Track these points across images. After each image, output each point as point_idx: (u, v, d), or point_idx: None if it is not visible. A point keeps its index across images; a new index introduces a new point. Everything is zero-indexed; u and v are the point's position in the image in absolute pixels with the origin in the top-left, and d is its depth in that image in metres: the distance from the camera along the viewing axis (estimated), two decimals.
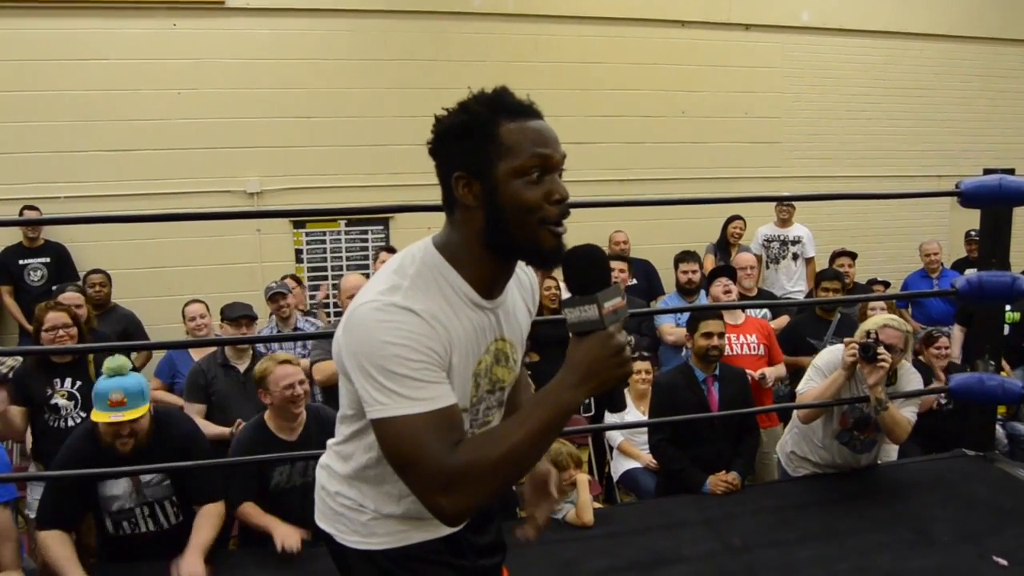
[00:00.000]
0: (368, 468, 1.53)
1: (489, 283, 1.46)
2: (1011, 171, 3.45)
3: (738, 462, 3.57)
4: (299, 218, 6.50)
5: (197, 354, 4.53)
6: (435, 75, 6.64)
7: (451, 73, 6.68)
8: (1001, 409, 4.91)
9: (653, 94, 7.32)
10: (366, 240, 6.75)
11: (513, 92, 1.39)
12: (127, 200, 5.91)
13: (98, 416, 2.81)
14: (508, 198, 1.35)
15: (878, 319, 3.38)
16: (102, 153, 6.05)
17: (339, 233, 6.68)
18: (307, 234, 6.61)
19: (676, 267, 5.63)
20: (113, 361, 2.91)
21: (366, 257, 6.70)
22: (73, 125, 6.00)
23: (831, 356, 3.52)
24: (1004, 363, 5.07)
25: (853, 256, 6.15)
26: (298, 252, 6.61)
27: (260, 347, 4.36)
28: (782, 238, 6.80)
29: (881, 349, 3.19)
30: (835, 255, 6.19)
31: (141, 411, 2.84)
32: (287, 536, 2.86)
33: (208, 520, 2.94)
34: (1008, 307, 5.65)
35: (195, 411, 3.97)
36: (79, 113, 5.99)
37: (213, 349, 4.30)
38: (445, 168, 1.40)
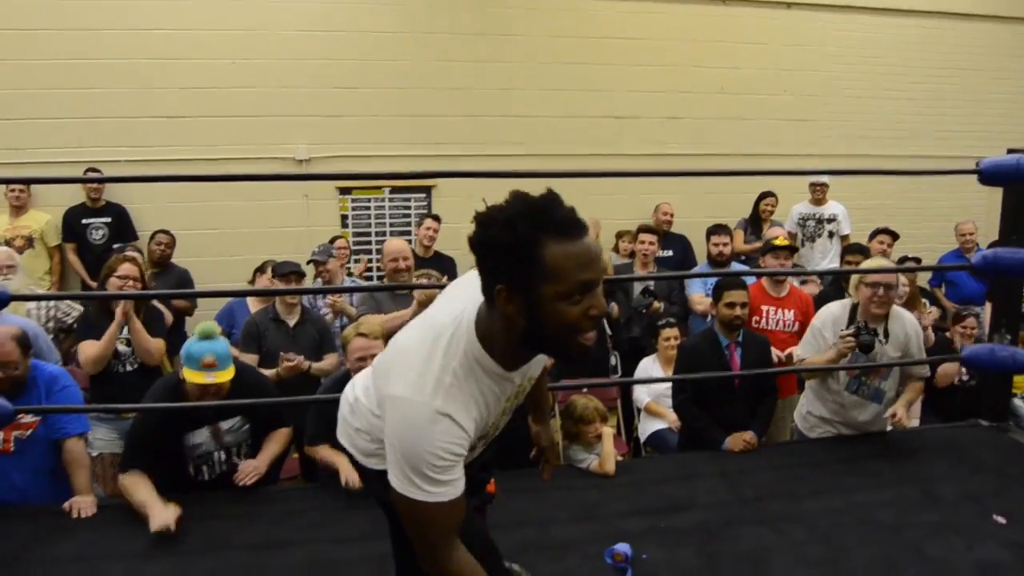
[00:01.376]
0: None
1: (517, 363, 1.63)
2: None
3: (756, 423, 3.75)
4: (345, 183, 6.70)
5: (253, 306, 4.88)
6: (478, 48, 6.84)
7: (493, 47, 6.87)
8: (1021, 386, 5.01)
9: (693, 70, 7.41)
10: (409, 207, 6.97)
11: (560, 204, 1.42)
12: (183, 165, 6.20)
13: (191, 375, 3.05)
14: (550, 317, 1.43)
15: (868, 263, 3.56)
16: (160, 120, 6.34)
17: (383, 200, 6.90)
18: (352, 200, 6.83)
19: (708, 239, 5.78)
20: (205, 326, 3.15)
21: (408, 223, 6.91)
22: (133, 92, 6.29)
23: (826, 315, 3.72)
24: None
25: (894, 235, 6.22)
26: (343, 218, 6.84)
27: (307, 302, 4.68)
28: (817, 216, 6.88)
29: (878, 337, 3.38)
30: (875, 232, 6.27)
31: (230, 373, 3.11)
32: (351, 473, 3.09)
33: (276, 439, 3.34)
34: None
35: (249, 360, 4.23)
36: (139, 81, 6.28)
37: (267, 304, 4.60)
38: (488, 273, 1.47)
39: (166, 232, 5.85)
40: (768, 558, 2.69)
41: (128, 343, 3.96)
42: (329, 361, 4.36)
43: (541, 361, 1.81)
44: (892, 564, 2.63)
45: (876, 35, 7.92)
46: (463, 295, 1.65)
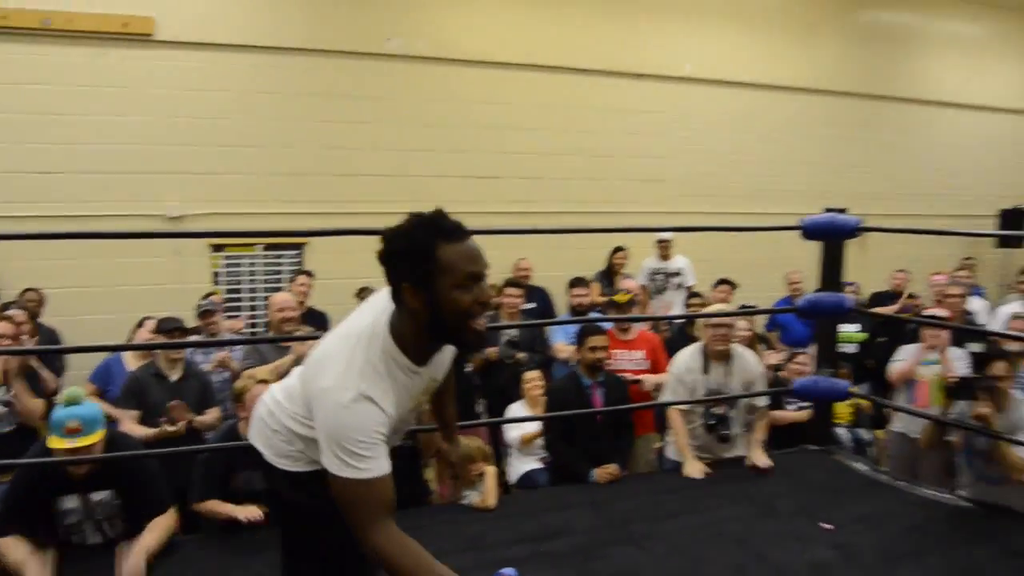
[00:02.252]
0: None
1: (426, 358, 1.93)
2: (843, 210, 4.16)
3: (617, 455, 4.14)
4: (218, 240, 6.76)
5: (131, 365, 4.81)
6: (352, 111, 7.12)
7: (367, 109, 7.17)
8: (846, 417, 5.66)
9: (552, 134, 7.96)
10: (281, 264, 7.09)
11: (446, 215, 1.78)
12: (54, 221, 6.08)
13: (54, 442, 2.96)
14: (447, 304, 1.76)
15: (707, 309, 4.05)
16: (31, 175, 6.27)
17: (255, 258, 7.01)
18: (225, 258, 6.90)
19: (568, 291, 6.22)
20: (70, 392, 3.08)
21: (280, 280, 7.02)
22: (3, 147, 6.20)
23: (681, 361, 4.19)
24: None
25: (733, 285, 6.89)
26: (215, 275, 6.89)
27: (191, 358, 4.75)
28: (665, 270, 7.51)
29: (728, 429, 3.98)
30: (717, 283, 6.92)
31: (95, 437, 3.01)
32: (249, 510, 3.20)
33: (156, 528, 3.13)
34: (857, 327, 6.50)
35: (129, 417, 4.27)
36: (9, 135, 6.20)
37: (147, 359, 4.63)
38: (395, 277, 1.80)
39: (34, 289, 5.74)
40: (636, 571, 3.04)
41: (6, 404, 3.94)
42: (212, 415, 4.46)
43: (444, 365, 2.10)
44: (740, 569, 3.04)
45: (713, 104, 8.77)
46: (371, 310, 1.93)
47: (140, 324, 5.45)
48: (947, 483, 4.15)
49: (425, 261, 1.74)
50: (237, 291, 6.97)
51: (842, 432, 5.44)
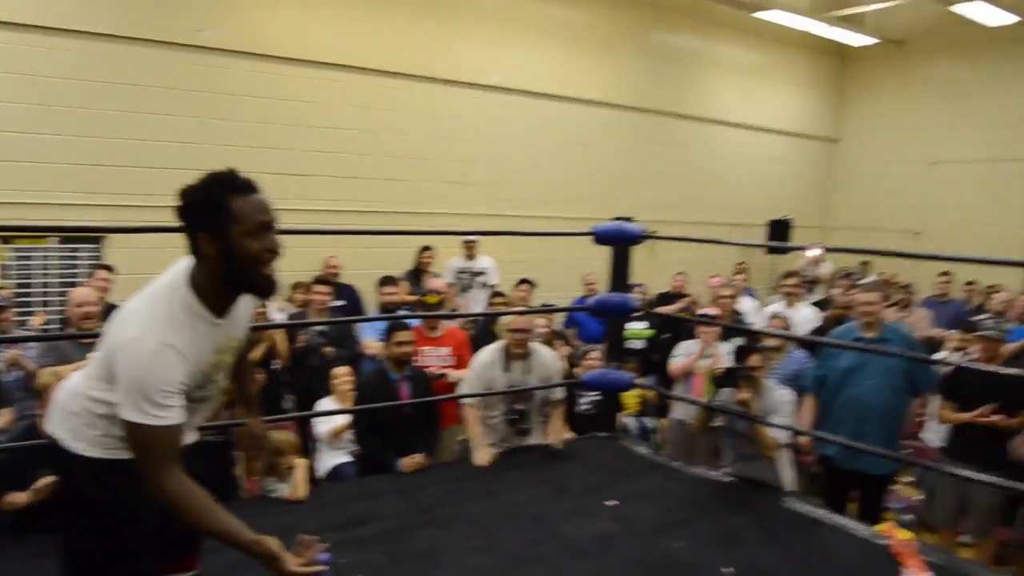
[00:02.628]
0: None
1: (224, 308, 2.03)
2: (630, 219, 4.60)
3: (423, 446, 4.37)
4: (3, 233, 6.39)
5: None
6: (159, 102, 6.91)
7: (174, 101, 6.98)
8: (634, 406, 6.19)
9: (363, 134, 8.08)
10: (78, 258, 6.78)
11: (238, 173, 1.94)
12: None
13: None
14: (240, 251, 1.90)
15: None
16: None
17: (50, 250, 6.65)
18: (16, 249, 6.50)
19: (378, 289, 6.38)
20: None
21: (76, 275, 6.70)
22: None
23: (482, 358, 4.50)
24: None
25: (532, 284, 7.30)
26: (4, 267, 6.49)
27: None
28: (471, 269, 7.83)
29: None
30: (519, 282, 7.31)
31: None
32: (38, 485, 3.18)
33: None
34: (645, 324, 7.07)
35: None
36: None
37: None
38: (191, 228, 1.93)
39: None
40: (440, 551, 3.28)
41: None
42: (4, 417, 4.26)
43: (242, 323, 2.20)
44: (535, 543, 3.35)
45: (518, 112, 9.22)
46: (170, 272, 2.03)
47: None
48: (714, 462, 4.69)
49: (219, 210, 1.88)
50: (28, 286, 6.58)
51: (630, 420, 5.95)
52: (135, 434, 1.88)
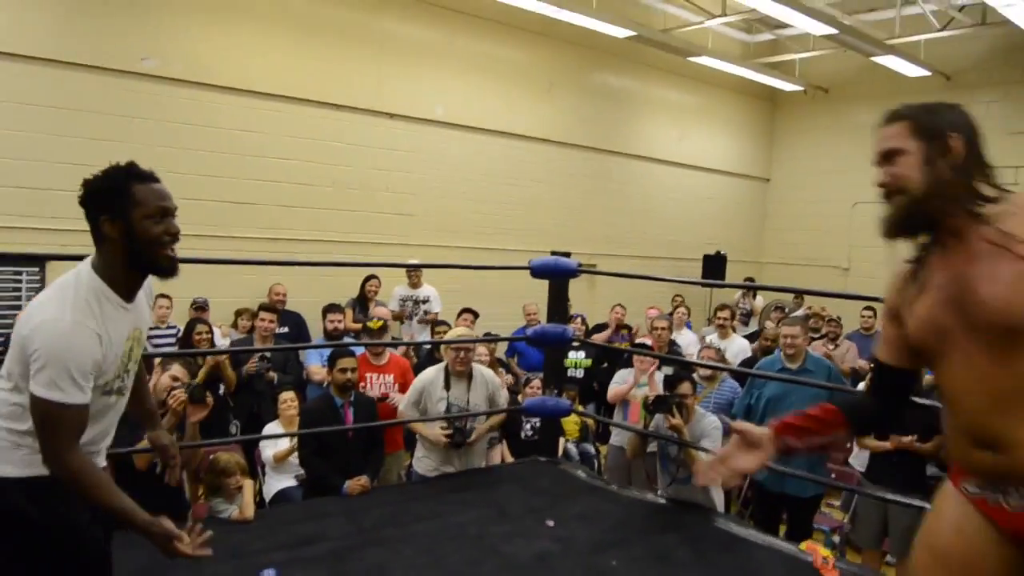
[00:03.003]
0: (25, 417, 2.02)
1: (130, 292, 2.13)
2: (567, 254, 4.81)
3: (368, 469, 4.47)
4: None
5: None
6: (101, 128, 6.91)
7: (118, 127, 7.00)
8: (573, 433, 6.37)
9: (307, 164, 8.17)
10: (20, 282, 6.71)
11: (138, 166, 2.07)
12: None
13: None
14: (142, 233, 2.03)
15: (457, 330, 4.55)
16: None
17: None
18: None
19: (324, 317, 6.48)
20: None
21: (19, 299, 6.65)
22: None
23: (424, 378, 4.65)
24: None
25: (476, 314, 7.46)
26: None
27: None
28: (414, 298, 7.97)
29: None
30: (461, 311, 7.46)
31: None
32: None
33: None
34: (583, 354, 7.27)
35: None
36: None
37: None
38: (94, 213, 2.03)
39: None
40: (386, 569, 3.39)
41: None
42: None
43: (146, 315, 2.31)
44: (476, 563, 3.48)
45: (460, 146, 9.42)
46: (71, 272, 2.09)
47: None
48: (650, 486, 4.89)
49: (121, 195, 2.01)
50: None
51: (570, 446, 6.12)
52: (45, 411, 1.92)
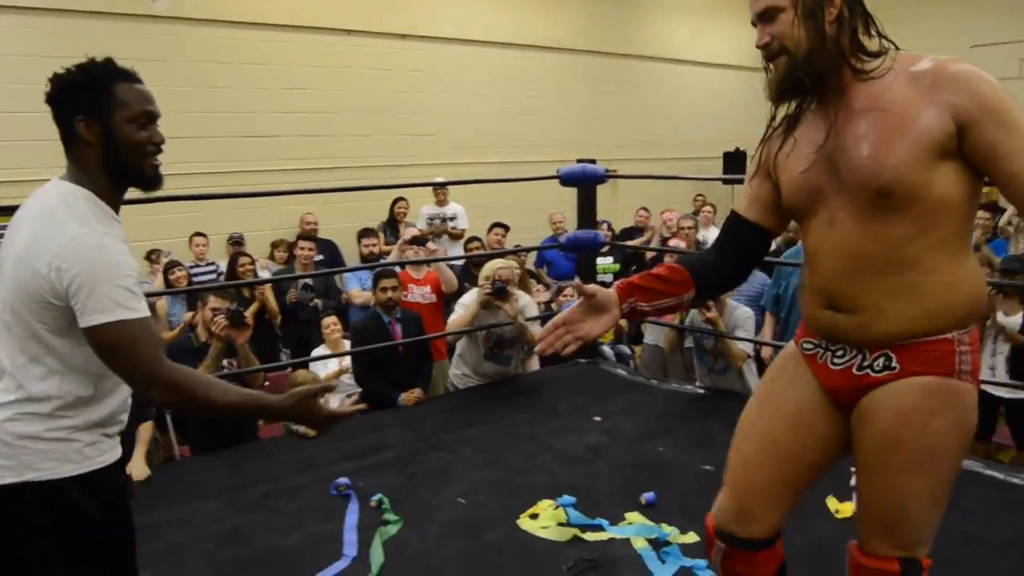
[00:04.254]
0: (76, 389, 1.72)
1: (115, 205, 1.80)
2: (593, 160, 4.92)
3: (419, 381, 4.72)
4: None
5: None
6: None
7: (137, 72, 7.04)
8: (608, 336, 6.58)
9: (326, 92, 8.21)
10: None
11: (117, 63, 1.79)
12: None
13: None
14: (123, 139, 1.73)
15: (492, 264, 4.72)
16: None
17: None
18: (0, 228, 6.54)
19: (359, 241, 6.66)
20: None
21: None
22: None
23: (470, 296, 4.82)
24: None
25: (506, 227, 7.61)
26: None
27: None
28: (441, 215, 8.12)
29: (508, 285, 4.53)
30: (492, 226, 7.61)
31: None
32: None
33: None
34: (611, 259, 7.43)
35: None
36: None
37: None
38: (67, 112, 1.73)
39: None
40: (449, 468, 3.65)
41: None
42: None
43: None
44: (532, 456, 3.74)
45: (474, 62, 9.40)
46: (40, 193, 1.76)
47: None
48: (688, 378, 5.11)
49: (101, 93, 1.73)
50: None
51: (606, 348, 6.34)
52: (116, 336, 1.64)
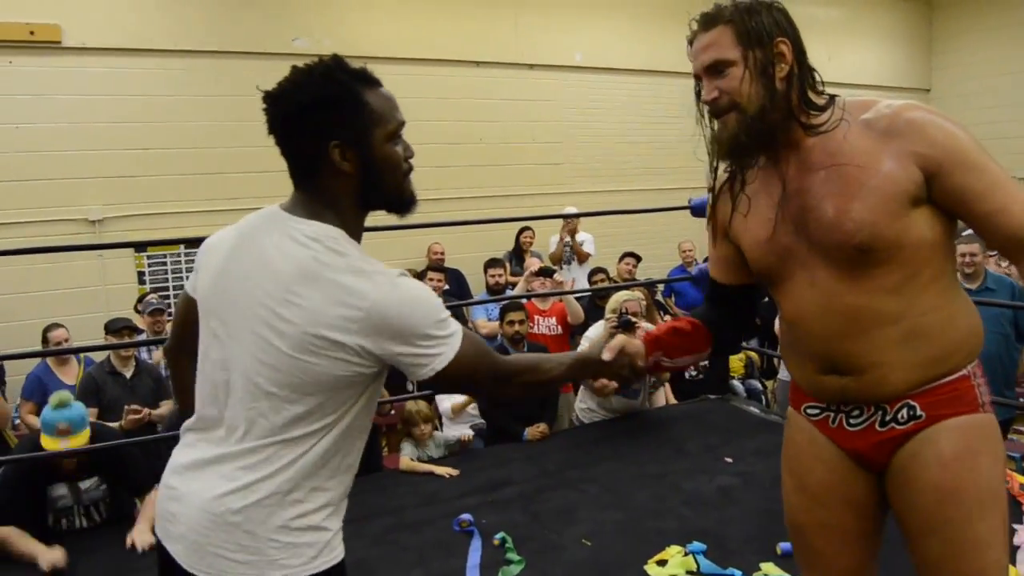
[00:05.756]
0: (334, 453, 1.47)
1: (358, 238, 1.52)
2: None
3: (545, 415, 4.66)
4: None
5: (62, 374, 4.98)
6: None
7: None
8: (738, 370, 6.35)
9: (456, 124, 8.34)
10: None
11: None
12: None
13: (48, 443, 3.29)
14: (384, 161, 1.47)
15: (619, 296, 4.61)
16: None
17: (179, 255, 7.13)
18: (148, 257, 7.00)
19: (485, 272, 6.70)
20: (58, 396, 3.43)
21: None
22: None
23: (596, 329, 4.72)
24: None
25: (638, 257, 7.51)
26: (140, 275, 7.00)
27: (142, 355, 4.99)
28: (571, 245, 8.07)
29: (635, 319, 4.41)
30: (623, 256, 7.52)
31: (83, 438, 3.36)
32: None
33: (150, 504, 3.43)
34: None
35: (88, 414, 4.51)
36: None
37: (102, 359, 4.86)
38: (313, 138, 1.43)
39: None
40: (574, 508, 3.57)
41: None
42: (166, 407, 4.74)
43: None
44: (661, 498, 3.60)
45: (604, 90, 9.33)
46: (277, 223, 1.49)
47: (48, 329, 5.32)
48: None
49: (357, 108, 1.44)
50: (166, 289, 7.02)
51: (737, 383, 6.13)
52: (461, 363, 1.44)
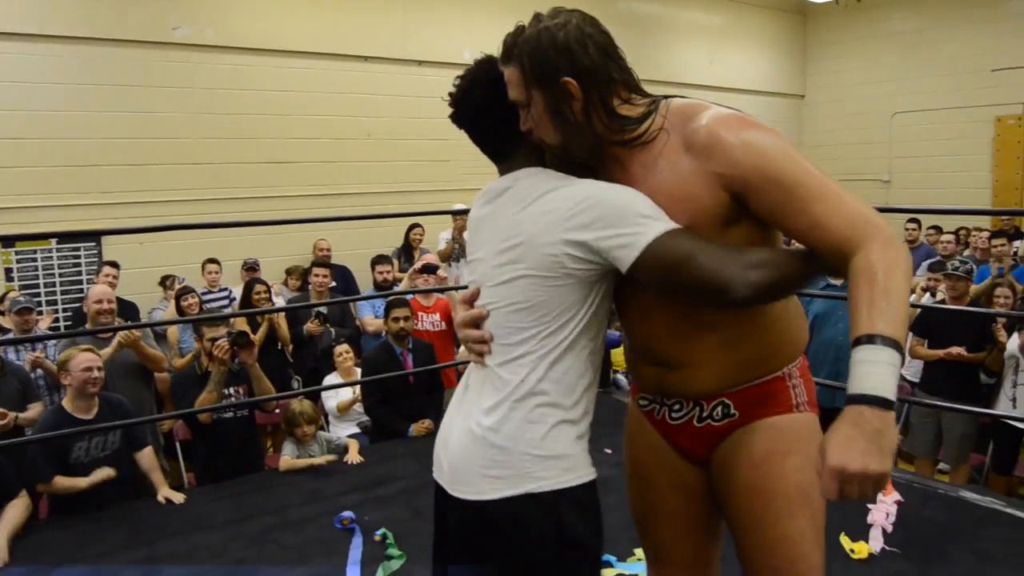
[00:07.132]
0: (589, 364, 1.60)
1: None
2: None
3: (430, 411, 4.67)
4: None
5: None
6: (142, 100, 7.03)
7: (156, 98, 7.12)
8: (621, 364, 6.49)
9: (343, 119, 8.25)
10: (79, 256, 6.92)
11: None
12: None
13: None
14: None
15: None
16: None
17: (51, 251, 6.77)
18: (16, 252, 6.62)
19: (373, 268, 6.64)
20: None
21: (79, 273, 6.87)
22: None
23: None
24: None
25: None
26: (7, 271, 6.62)
27: (6, 357, 4.71)
28: (460, 242, 8.09)
29: None
30: None
31: None
32: (97, 474, 3.49)
33: (12, 509, 3.34)
34: None
35: None
36: None
37: None
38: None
39: None
40: None
41: None
42: (35, 411, 4.49)
43: None
44: None
45: None
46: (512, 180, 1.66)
47: None
48: None
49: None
50: (36, 287, 6.70)
51: (619, 376, 6.27)
52: (671, 250, 1.43)
